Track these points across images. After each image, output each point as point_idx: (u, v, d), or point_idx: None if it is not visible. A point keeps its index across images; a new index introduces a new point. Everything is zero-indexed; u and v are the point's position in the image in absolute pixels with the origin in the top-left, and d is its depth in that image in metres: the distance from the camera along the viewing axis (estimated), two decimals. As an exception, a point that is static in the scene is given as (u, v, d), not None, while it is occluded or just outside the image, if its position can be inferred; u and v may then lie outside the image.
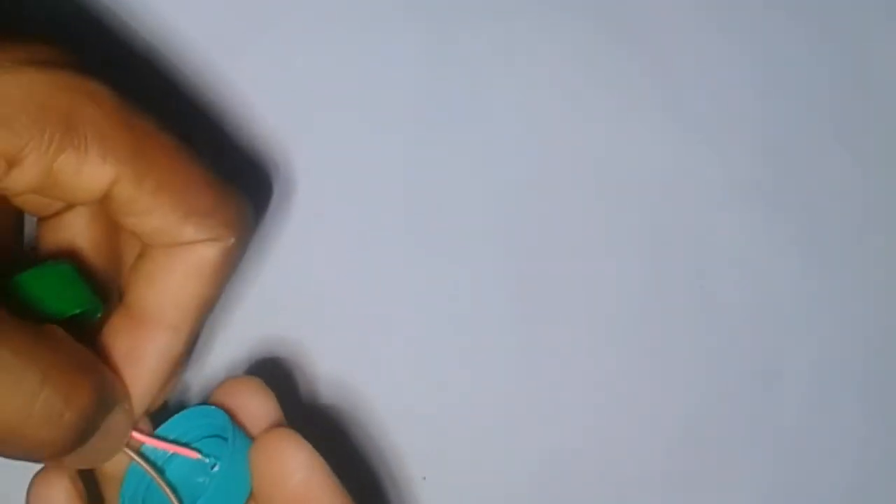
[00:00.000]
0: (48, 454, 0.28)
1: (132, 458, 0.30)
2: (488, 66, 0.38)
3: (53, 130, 0.27)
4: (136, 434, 0.30)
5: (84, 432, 0.28)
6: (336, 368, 0.38)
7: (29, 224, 0.32)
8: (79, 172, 0.27)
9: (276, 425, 0.32)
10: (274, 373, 0.38)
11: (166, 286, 0.30)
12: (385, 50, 0.38)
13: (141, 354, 0.30)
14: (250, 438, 0.31)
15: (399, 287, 0.39)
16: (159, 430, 0.31)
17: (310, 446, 0.30)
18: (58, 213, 0.31)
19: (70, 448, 0.28)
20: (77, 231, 0.31)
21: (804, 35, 0.40)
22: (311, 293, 0.38)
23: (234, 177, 0.30)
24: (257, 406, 0.32)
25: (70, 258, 0.31)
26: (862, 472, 0.40)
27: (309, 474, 0.30)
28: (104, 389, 0.29)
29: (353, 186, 0.38)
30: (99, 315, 0.30)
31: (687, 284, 0.39)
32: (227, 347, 0.37)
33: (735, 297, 0.39)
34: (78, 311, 0.29)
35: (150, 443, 0.31)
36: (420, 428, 0.39)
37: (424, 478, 0.39)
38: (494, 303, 0.39)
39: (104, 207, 0.29)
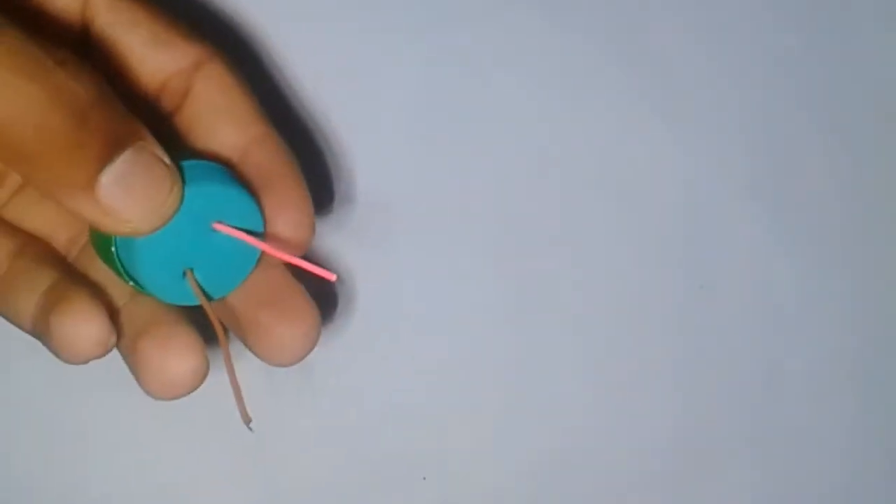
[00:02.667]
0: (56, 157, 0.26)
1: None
2: (488, 66, 0.39)
3: None
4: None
5: (83, 110, 0.26)
6: (336, 368, 0.38)
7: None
8: None
9: None
10: (274, 370, 0.38)
11: (222, 114, 0.30)
12: (384, 48, 0.38)
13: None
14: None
15: (398, 286, 0.39)
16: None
17: None
18: None
19: (71, 139, 0.26)
20: None
21: (805, 35, 0.40)
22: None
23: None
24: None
25: None
26: (862, 471, 0.40)
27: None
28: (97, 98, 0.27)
29: (354, 187, 0.38)
30: None
31: (687, 284, 0.39)
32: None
33: (735, 297, 0.39)
34: None
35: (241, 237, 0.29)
36: (420, 428, 0.39)
37: (424, 478, 0.39)
38: (494, 302, 0.39)
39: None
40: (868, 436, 0.40)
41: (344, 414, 0.38)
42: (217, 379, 0.30)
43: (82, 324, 0.28)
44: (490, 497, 0.39)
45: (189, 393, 0.29)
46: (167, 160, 0.27)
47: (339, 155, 0.38)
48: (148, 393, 0.29)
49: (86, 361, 0.29)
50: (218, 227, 0.29)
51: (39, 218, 0.32)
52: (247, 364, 0.37)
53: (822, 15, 0.40)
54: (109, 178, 0.26)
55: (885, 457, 0.40)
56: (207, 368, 0.29)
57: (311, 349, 0.30)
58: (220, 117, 0.30)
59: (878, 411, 0.40)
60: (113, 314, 0.29)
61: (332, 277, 0.28)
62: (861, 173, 0.40)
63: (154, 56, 0.30)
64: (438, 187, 0.38)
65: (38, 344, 0.36)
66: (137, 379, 0.29)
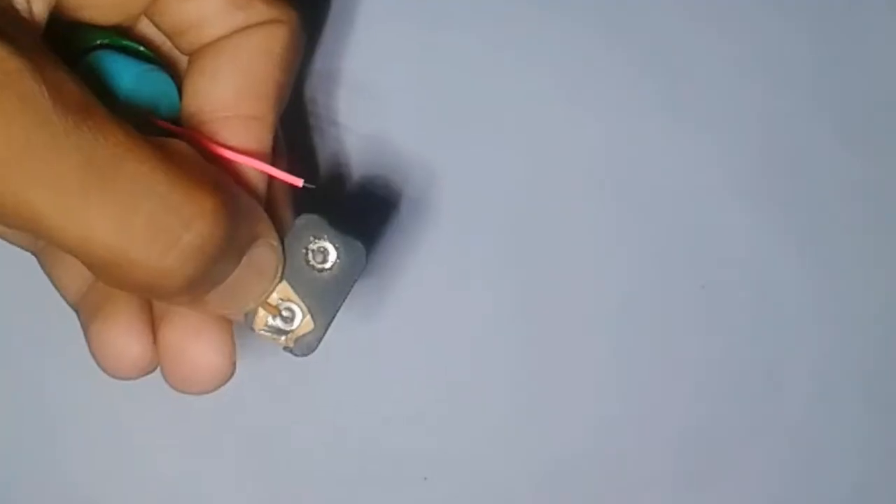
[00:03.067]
0: (166, 289, 0.23)
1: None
2: (487, 65, 0.38)
3: None
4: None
5: (211, 264, 0.24)
6: (337, 368, 0.38)
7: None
8: None
9: None
10: (275, 371, 0.38)
11: (239, 74, 0.27)
12: (383, 47, 0.38)
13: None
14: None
15: (398, 286, 0.39)
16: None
17: None
18: None
19: (191, 282, 0.24)
20: None
21: (806, 34, 0.40)
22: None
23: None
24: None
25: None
26: (865, 471, 0.40)
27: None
28: (239, 214, 0.25)
29: (354, 187, 0.38)
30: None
31: (689, 285, 0.39)
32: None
33: (737, 298, 0.39)
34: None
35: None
36: (421, 428, 0.39)
37: (425, 478, 0.39)
38: (494, 302, 0.39)
39: (158, 4, 0.26)
40: (870, 436, 0.40)
41: (345, 414, 0.38)
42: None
43: (124, 341, 0.27)
44: (491, 498, 0.39)
45: (216, 389, 0.27)
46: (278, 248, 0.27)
47: (339, 155, 0.38)
48: (172, 385, 0.27)
49: (121, 377, 0.27)
50: (154, 120, 0.27)
51: None
52: (247, 365, 0.37)
53: (827, 13, 0.40)
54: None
55: (890, 456, 0.40)
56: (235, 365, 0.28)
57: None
58: (230, 72, 0.27)
59: (880, 411, 0.40)
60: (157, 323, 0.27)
61: (299, 182, 0.27)
62: (864, 173, 0.40)
63: (225, 17, 0.27)
64: (439, 187, 0.38)
65: (40, 340, 0.36)
66: (163, 371, 0.27)
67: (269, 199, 0.28)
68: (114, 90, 0.26)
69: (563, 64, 0.39)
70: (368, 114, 0.38)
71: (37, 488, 0.37)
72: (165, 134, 0.26)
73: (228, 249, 0.25)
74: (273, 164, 0.28)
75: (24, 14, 0.24)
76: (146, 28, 0.29)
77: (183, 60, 0.29)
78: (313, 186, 0.27)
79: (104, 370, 0.27)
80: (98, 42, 0.27)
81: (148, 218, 0.22)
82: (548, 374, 0.39)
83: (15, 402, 0.37)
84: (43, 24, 0.24)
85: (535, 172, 0.39)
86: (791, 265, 0.39)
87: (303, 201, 0.30)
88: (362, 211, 0.38)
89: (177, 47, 0.28)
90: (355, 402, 0.38)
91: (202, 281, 0.24)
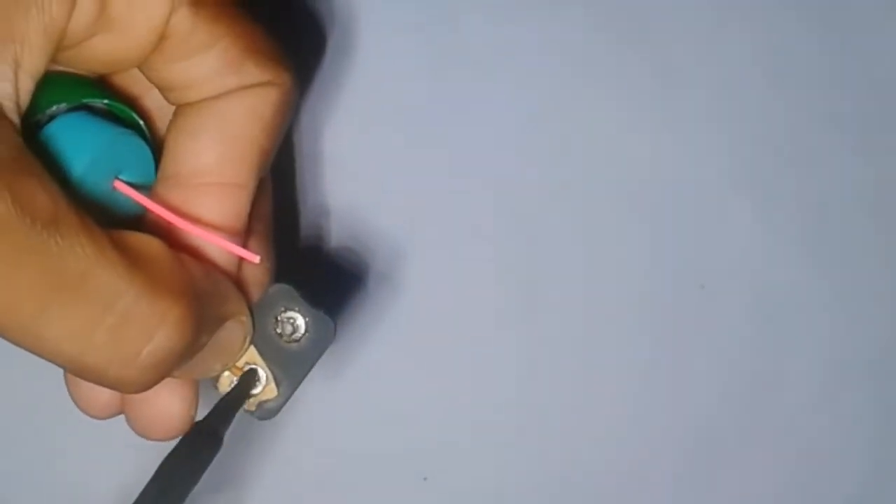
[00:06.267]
0: (127, 390, 0.23)
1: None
2: (487, 65, 0.38)
3: None
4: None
5: (172, 368, 0.24)
6: (338, 369, 0.38)
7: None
8: (132, 4, 0.24)
9: None
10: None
11: (223, 137, 0.26)
12: (384, 47, 0.38)
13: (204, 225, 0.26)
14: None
15: (400, 287, 0.39)
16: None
17: None
18: None
19: (154, 384, 0.23)
20: None
21: (807, 31, 0.39)
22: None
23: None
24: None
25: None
26: (867, 471, 0.40)
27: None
28: (206, 312, 0.24)
29: (355, 188, 0.38)
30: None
31: (689, 285, 0.39)
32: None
33: (737, 298, 0.39)
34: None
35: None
36: (421, 428, 0.39)
37: (425, 478, 0.39)
38: (494, 302, 0.39)
39: (149, 61, 0.25)
40: (871, 436, 0.40)
41: (345, 413, 0.38)
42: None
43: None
44: (491, 497, 0.39)
45: (176, 437, 0.27)
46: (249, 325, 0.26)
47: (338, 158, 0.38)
48: (133, 430, 0.27)
49: (93, 417, 0.28)
50: (119, 185, 0.26)
51: None
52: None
53: (828, 11, 0.40)
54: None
55: (889, 457, 0.40)
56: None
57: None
58: (215, 137, 0.26)
59: (881, 411, 0.40)
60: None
61: (255, 259, 0.26)
62: (864, 172, 0.40)
63: (216, 79, 0.26)
64: (440, 188, 0.38)
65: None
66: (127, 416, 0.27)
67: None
68: (79, 157, 0.25)
69: (564, 60, 0.39)
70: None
71: (38, 488, 0.37)
72: (131, 214, 0.26)
73: (193, 346, 0.24)
74: (252, 226, 0.27)
75: (8, 102, 0.23)
76: (123, 79, 0.28)
77: (162, 112, 0.28)
78: (257, 261, 0.27)
79: (79, 409, 0.28)
80: (65, 105, 0.26)
81: (109, 332, 0.22)
82: (546, 374, 0.39)
83: (15, 402, 0.38)
84: (26, 103, 0.24)
85: (534, 173, 0.39)
86: (791, 265, 0.39)
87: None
88: (362, 212, 0.38)
89: (164, 97, 0.27)
90: (356, 401, 0.38)
91: (163, 378, 0.24)
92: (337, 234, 0.38)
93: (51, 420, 0.38)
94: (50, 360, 0.23)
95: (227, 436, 0.37)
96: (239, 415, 0.36)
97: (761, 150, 0.39)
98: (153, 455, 0.37)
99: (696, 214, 0.39)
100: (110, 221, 0.24)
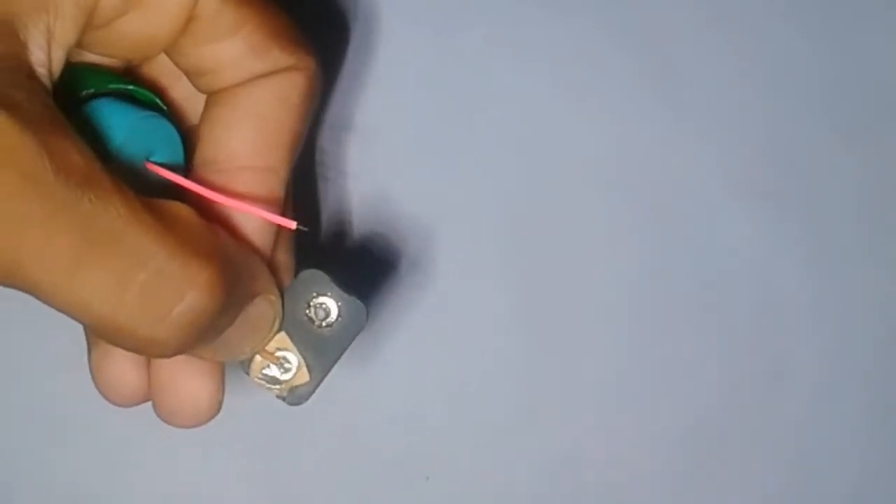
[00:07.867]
0: (156, 354, 0.24)
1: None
2: (488, 64, 0.38)
3: None
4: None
5: (203, 332, 0.24)
6: (338, 369, 0.38)
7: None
8: None
9: None
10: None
11: (256, 125, 0.27)
12: (387, 48, 0.38)
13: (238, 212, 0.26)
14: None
15: (401, 287, 0.39)
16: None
17: None
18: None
19: (182, 348, 0.24)
20: None
21: (808, 35, 0.40)
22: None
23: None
24: None
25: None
26: (867, 471, 0.40)
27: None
28: (237, 277, 0.25)
29: (355, 188, 0.38)
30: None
31: (691, 285, 0.39)
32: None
33: (739, 298, 0.39)
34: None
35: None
36: (423, 427, 0.39)
37: (427, 478, 0.39)
38: (496, 302, 0.39)
39: (177, 45, 0.26)
40: (871, 435, 0.40)
41: (346, 414, 0.38)
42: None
43: (120, 370, 0.27)
44: (493, 497, 0.39)
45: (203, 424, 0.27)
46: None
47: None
48: (160, 417, 0.27)
49: (118, 404, 0.28)
50: (151, 166, 0.27)
51: None
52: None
53: (828, 13, 0.40)
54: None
55: (889, 457, 0.40)
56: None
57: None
58: (248, 124, 0.27)
59: (881, 411, 0.40)
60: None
61: (292, 225, 0.26)
62: (866, 172, 0.40)
63: (243, 63, 0.27)
64: (440, 187, 0.38)
65: (40, 339, 0.36)
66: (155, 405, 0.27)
67: (273, 246, 0.28)
68: (110, 138, 0.26)
69: (565, 63, 0.39)
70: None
71: (39, 488, 0.37)
72: (164, 184, 0.26)
73: (224, 314, 0.24)
74: (279, 212, 0.27)
75: (41, 69, 0.23)
76: (151, 69, 0.29)
77: (188, 102, 0.29)
78: (306, 229, 0.27)
79: (103, 396, 0.27)
80: (93, 90, 0.26)
81: (141, 289, 0.22)
82: (548, 373, 0.39)
83: (15, 402, 0.37)
84: (57, 75, 0.24)
85: (535, 173, 0.39)
86: (792, 265, 0.39)
87: (303, 254, 0.29)
88: (363, 212, 0.38)
89: (193, 85, 0.28)
90: (357, 402, 0.38)
91: (194, 344, 0.24)
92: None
93: (51, 420, 0.38)
94: (80, 320, 0.23)
95: (229, 434, 0.38)
96: (243, 411, 0.36)
97: (762, 152, 0.39)
98: (153, 455, 0.38)
99: (697, 215, 0.39)
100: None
